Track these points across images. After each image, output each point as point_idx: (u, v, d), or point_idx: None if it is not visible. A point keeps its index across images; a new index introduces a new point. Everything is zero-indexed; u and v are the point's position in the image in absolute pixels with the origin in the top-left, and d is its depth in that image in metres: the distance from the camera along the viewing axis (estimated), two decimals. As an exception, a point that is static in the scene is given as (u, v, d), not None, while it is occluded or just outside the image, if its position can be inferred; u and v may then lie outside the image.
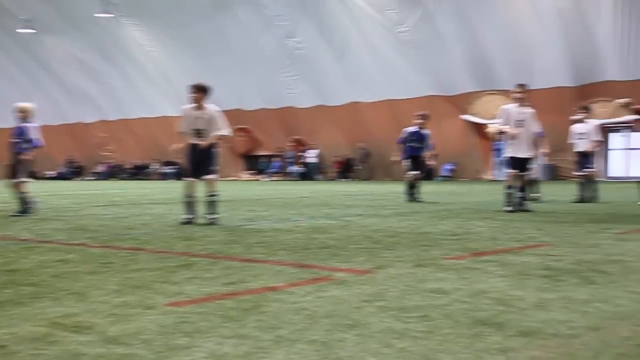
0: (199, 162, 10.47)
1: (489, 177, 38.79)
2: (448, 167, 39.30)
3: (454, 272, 5.53)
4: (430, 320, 3.89)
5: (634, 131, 33.49)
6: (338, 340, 3.50)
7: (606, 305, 4.20)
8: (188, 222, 10.30)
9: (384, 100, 41.04)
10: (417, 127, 17.11)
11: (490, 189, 23.99)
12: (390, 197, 18.72)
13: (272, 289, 4.87)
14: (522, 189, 12.79)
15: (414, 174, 16.79)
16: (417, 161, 17.00)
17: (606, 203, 14.95)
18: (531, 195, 14.98)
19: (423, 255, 6.58)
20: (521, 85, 12.87)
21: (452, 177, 38.50)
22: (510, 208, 12.38)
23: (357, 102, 41.73)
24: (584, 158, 16.14)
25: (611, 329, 3.64)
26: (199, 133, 10.40)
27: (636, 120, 14.24)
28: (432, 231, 8.99)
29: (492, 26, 36.04)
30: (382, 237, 8.32)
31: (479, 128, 39.04)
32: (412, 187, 16.79)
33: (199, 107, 10.46)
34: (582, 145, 16.09)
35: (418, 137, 17.02)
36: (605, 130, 35.85)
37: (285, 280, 5.24)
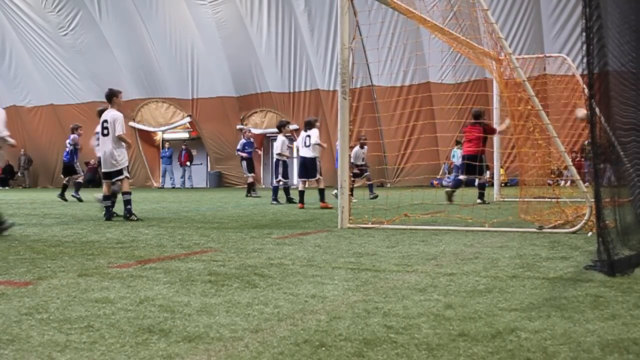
0: None
1: (157, 184, 38.94)
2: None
3: (120, 280, 5.46)
4: (94, 330, 3.81)
5: (292, 141, 35.46)
6: (-6, 357, 3.30)
7: (267, 308, 4.39)
8: None
9: (47, 105, 39.55)
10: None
11: (157, 197, 24.07)
12: (53, 205, 18.04)
13: None
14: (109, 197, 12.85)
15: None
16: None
17: (270, 210, 15.65)
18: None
19: (88, 264, 6.42)
20: None
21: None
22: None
23: (17, 106, 39.69)
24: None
25: (271, 330, 3.81)
26: None
27: (294, 130, 15.13)
28: (98, 240, 8.80)
29: (156, 33, 36.19)
30: (44, 247, 7.99)
31: (147, 136, 39.05)
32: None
33: None
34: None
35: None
36: (268, 139, 37.69)
37: None
